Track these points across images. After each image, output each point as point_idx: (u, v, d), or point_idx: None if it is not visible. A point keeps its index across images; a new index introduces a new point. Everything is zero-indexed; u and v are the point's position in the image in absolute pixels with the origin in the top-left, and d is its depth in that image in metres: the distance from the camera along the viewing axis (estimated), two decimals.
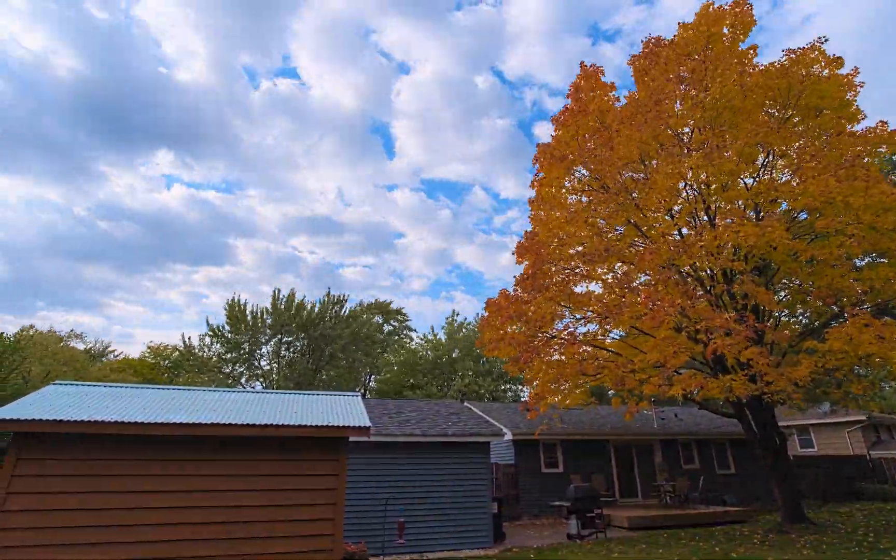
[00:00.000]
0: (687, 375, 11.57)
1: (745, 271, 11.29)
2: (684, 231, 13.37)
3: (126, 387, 8.32)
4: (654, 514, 14.32)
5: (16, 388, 12.72)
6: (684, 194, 13.42)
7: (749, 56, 13.52)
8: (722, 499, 17.46)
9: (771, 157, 13.05)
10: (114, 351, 42.33)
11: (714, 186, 12.71)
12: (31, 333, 29.29)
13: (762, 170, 13.16)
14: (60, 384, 7.83)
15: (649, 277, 12.97)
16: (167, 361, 42.59)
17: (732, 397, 11.54)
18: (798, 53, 12.62)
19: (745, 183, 13.18)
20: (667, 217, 13.68)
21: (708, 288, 13.00)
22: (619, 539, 12.26)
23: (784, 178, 12.76)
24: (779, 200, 12.41)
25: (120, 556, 6.04)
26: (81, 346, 37.69)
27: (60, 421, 6.15)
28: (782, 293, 14.35)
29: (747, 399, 12.03)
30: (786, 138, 12.13)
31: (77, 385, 7.90)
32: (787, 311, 14.83)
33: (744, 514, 15.04)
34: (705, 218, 13.36)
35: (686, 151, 12.65)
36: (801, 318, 15.40)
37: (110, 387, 8.12)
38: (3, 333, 14.68)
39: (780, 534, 11.70)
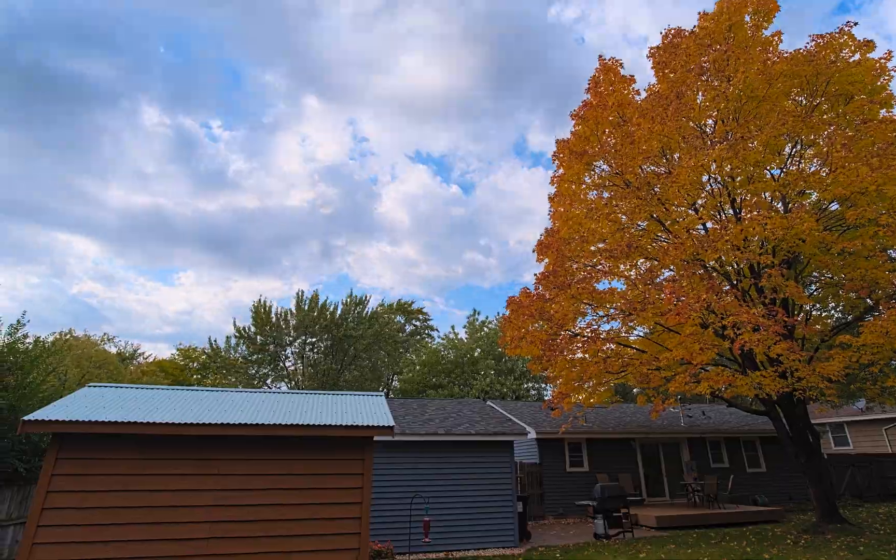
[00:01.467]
0: (714, 372, 11.36)
1: (774, 265, 10.99)
2: (709, 225, 13.09)
3: (157, 388, 8.56)
4: (682, 514, 14.07)
5: (52, 390, 13.16)
6: (708, 187, 13.14)
7: (773, 43, 13.16)
8: (753, 498, 17.09)
9: (799, 147, 12.68)
10: (143, 353, 43.58)
11: (739, 179, 12.40)
12: (67, 337, 30.32)
13: (789, 160, 12.80)
14: (95, 386, 8.09)
15: (673, 273, 12.76)
16: (196, 363, 43.58)
17: (762, 394, 11.25)
18: (826, 38, 12.22)
19: (771, 174, 12.83)
20: (690, 211, 13.42)
21: (734, 282, 12.71)
22: (647, 539, 12.09)
23: (813, 168, 12.38)
24: (808, 191, 12.05)
25: (154, 553, 6.22)
26: (114, 350, 38.91)
27: (96, 422, 6.37)
28: (813, 287, 13.95)
29: (778, 396, 11.71)
30: (814, 127, 11.76)
31: (111, 387, 8.16)
32: (818, 305, 14.38)
33: (776, 514, 14.65)
34: (731, 211, 13.07)
35: (709, 143, 12.40)
36: (833, 311, 14.95)
37: (143, 388, 8.36)
38: (38, 337, 15.25)
39: (814, 534, 11.37)
